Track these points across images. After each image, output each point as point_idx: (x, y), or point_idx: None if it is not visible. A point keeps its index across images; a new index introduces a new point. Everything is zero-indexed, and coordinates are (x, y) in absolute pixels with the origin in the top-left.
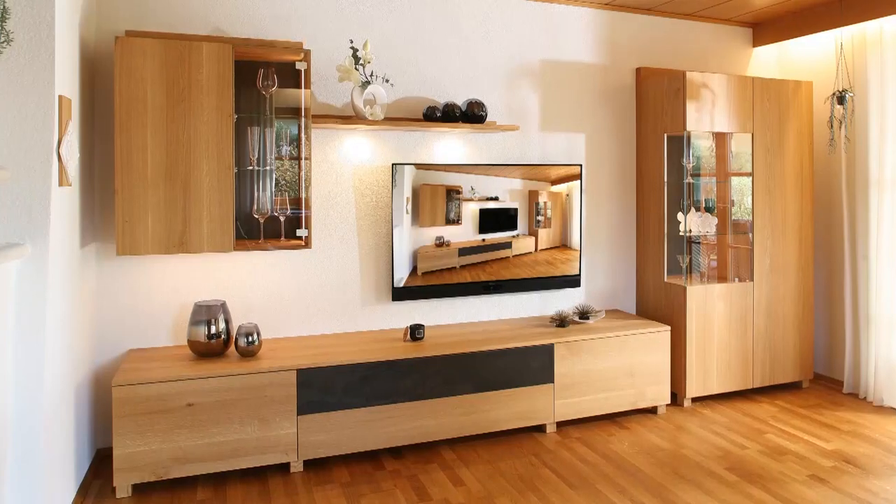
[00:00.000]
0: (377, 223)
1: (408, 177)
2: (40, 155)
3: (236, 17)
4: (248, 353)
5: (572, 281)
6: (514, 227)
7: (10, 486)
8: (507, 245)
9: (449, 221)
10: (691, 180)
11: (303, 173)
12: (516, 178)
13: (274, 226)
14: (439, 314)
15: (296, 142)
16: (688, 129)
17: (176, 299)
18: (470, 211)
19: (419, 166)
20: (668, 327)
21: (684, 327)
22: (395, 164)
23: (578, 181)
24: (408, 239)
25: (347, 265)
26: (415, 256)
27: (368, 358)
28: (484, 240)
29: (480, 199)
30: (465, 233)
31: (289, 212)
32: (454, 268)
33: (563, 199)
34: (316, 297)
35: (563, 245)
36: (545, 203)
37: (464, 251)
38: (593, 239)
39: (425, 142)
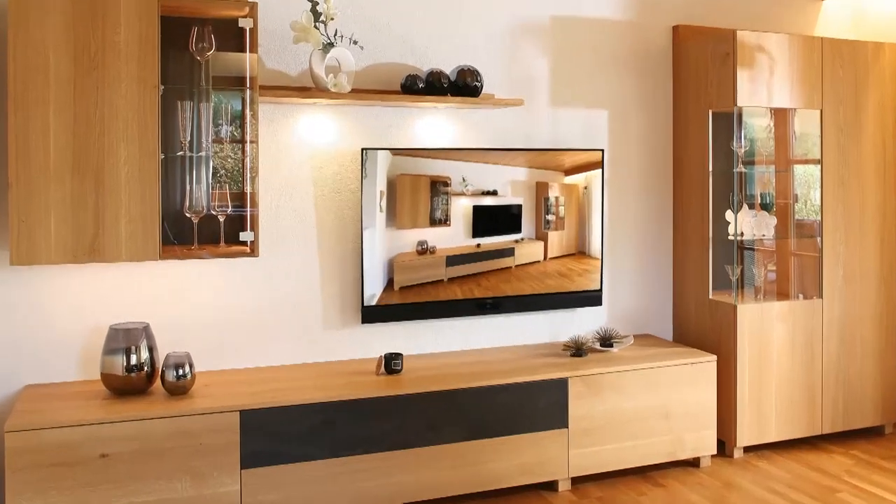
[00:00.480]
0: (343, 224)
1: (382, 165)
2: None
3: None
4: (179, 389)
5: (592, 298)
6: (517, 228)
7: None
8: (509, 252)
9: (434, 222)
10: (743, 169)
11: (248, 160)
12: (520, 167)
13: (211, 228)
14: (422, 340)
15: (239, 120)
16: (739, 104)
17: (86, 321)
18: (461, 208)
19: (396, 152)
20: (714, 357)
21: (734, 357)
22: (366, 150)
23: (599, 170)
24: (382, 244)
25: (305, 278)
26: (390, 267)
27: (332, 396)
28: (479, 245)
29: (474, 194)
30: (455, 236)
31: (230, 210)
32: (441, 281)
33: (579, 193)
34: (265, 318)
35: (581, 252)
36: (557, 198)
37: (453, 260)
38: (619, 244)
39: (404, 120)
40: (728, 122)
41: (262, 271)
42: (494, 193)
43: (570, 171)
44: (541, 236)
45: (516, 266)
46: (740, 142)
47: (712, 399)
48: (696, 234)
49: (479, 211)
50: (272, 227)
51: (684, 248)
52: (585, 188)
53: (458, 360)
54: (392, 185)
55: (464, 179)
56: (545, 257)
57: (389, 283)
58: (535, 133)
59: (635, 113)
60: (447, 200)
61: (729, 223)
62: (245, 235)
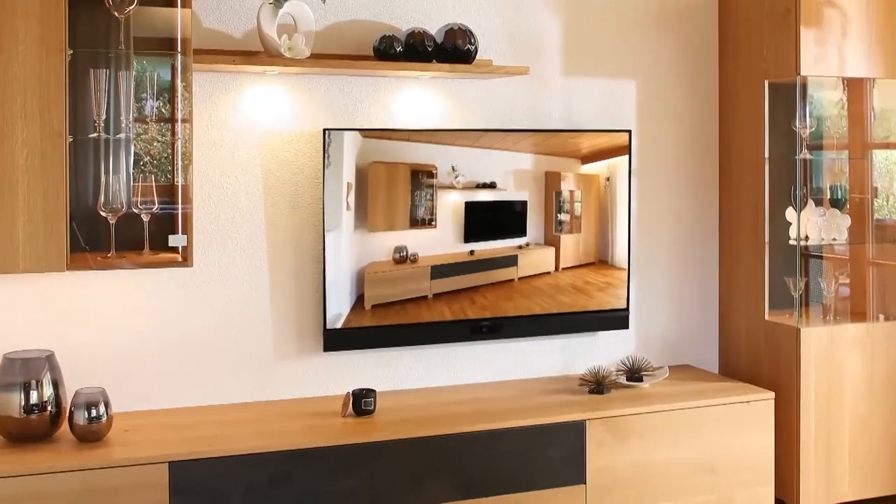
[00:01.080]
0: (300, 226)
1: (350, 150)
2: None
3: None
4: (91, 435)
5: (616, 319)
6: (520, 231)
7: None
8: (511, 261)
9: (416, 223)
10: (808, 156)
11: (179, 145)
12: (525, 153)
13: (133, 230)
14: (400, 373)
15: (168, 94)
16: (803, 72)
17: None
18: (450, 206)
19: (367, 133)
20: (772, 394)
21: (797, 394)
22: (329, 131)
23: (626, 157)
24: (349, 251)
25: (252, 294)
26: (360, 279)
27: (286, 444)
28: (472, 253)
29: (467, 187)
30: (443, 241)
31: (157, 207)
32: (424, 297)
33: (600, 185)
34: (201, 345)
35: (602, 261)
36: (572, 193)
37: (440, 271)
38: (650, 251)
39: (377, 94)
40: (789, 95)
41: (198, 285)
42: (492, 186)
43: (588, 158)
44: (551, 241)
45: (520, 279)
46: (804, 121)
47: (769, 448)
48: (749, 237)
49: (472, 209)
50: (210, 229)
51: (733, 255)
52: (608, 180)
53: (447, 397)
54: (362, 177)
55: (453, 169)
56: (557, 267)
57: (359, 301)
58: (543, 110)
59: (671, 84)
60: (432, 195)
61: (790, 224)
62: (175, 239)
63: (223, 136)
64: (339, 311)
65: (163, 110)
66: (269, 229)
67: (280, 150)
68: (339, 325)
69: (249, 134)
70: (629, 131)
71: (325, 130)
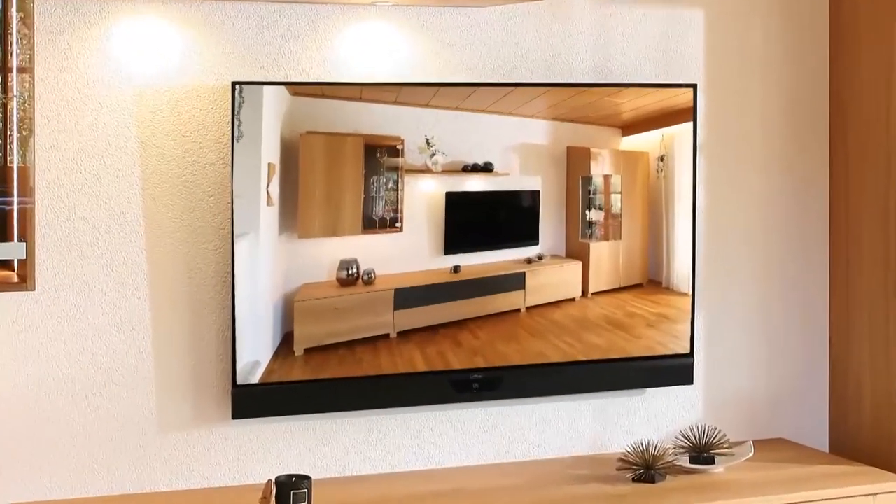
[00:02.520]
0: (197, 230)
1: (272, 115)
2: None
3: None
4: None
5: (674, 370)
6: (529, 237)
7: None
8: (514, 282)
9: (372, 224)
10: None
11: (13, 107)
12: (536, 118)
13: None
14: (347, 451)
15: None
16: None
17: None
18: (424, 198)
19: (299, 90)
20: None
21: None
22: (241, 85)
23: (690, 125)
24: (272, 268)
25: (125, 332)
26: (288, 310)
27: None
28: (457, 269)
29: (449, 170)
30: (412, 252)
31: None
32: (386, 336)
33: (650, 168)
34: (49, 410)
35: (653, 282)
36: (608, 179)
37: (408, 297)
38: (726, 270)
39: (314, 30)
40: None
41: (44, 319)
42: (487, 169)
43: (631, 128)
44: (576, 251)
45: (529, 309)
46: None
47: None
48: (876, 254)
49: (456, 203)
50: (61, 234)
51: (851, 279)
52: (662, 160)
53: (418, 489)
54: (291, 154)
55: (428, 143)
56: (585, 292)
57: (286, 342)
58: (564, 55)
59: (756, 17)
60: (397, 182)
61: None
62: (8, 250)
63: (80, 94)
64: (255, 357)
65: None
66: (150, 235)
67: (167, 114)
68: (255, 380)
69: (120, 91)
70: (694, 86)
71: (234, 84)
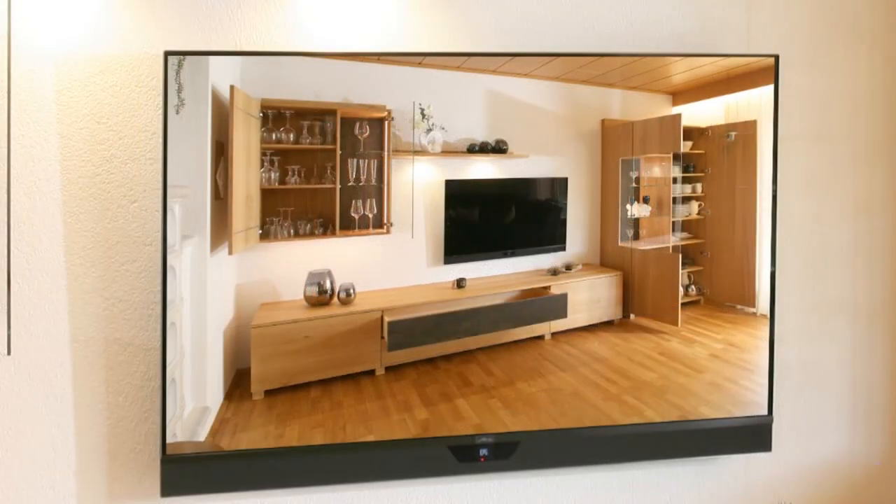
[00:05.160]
0: (117, 245)
1: (218, 78)
2: None
3: None
4: None
5: (747, 432)
6: (554, 239)
7: None
8: (543, 304)
9: (350, 224)
10: None
11: None
12: (561, 81)
13: None
14: None
15: None
16: None
17: None
18: (419, 189)
19: (248, 58)
20: None
21: None
22: (175, 55)
23: (769, 91)
24: (219, 285)
25: (23, 379)
26: (242, 338)
27: None
28: (462, 283)
29: (450, 151)
30: (403, 260)
31: None
32: (371, 373)
33: (715, 144)
34: None
35: (721, 304)
36: (656, 163)
37: (398, 320)
38: (816, 290)
39: None
40: None
41: None
42: (499, 150)
43: (687, 94)
44: (615, 260)
45: (554, 335)
46: None
47: None
48: None
49: (460, 195)
50: None
51: None
52: (731, 136)
53: None
54: (237, 131)
55: (423, 113)
56: (627, 312)
57: (241, 381)
58: (601, 12)
59: None
60: (380, 168)
61: None
62: None
63: None
64: (202, 403)
65: None
66: (52, 255)
67: (77, 93)
68: (202, 434)
69: (15, 61)
70: (776, 57)
71: (167, 55)
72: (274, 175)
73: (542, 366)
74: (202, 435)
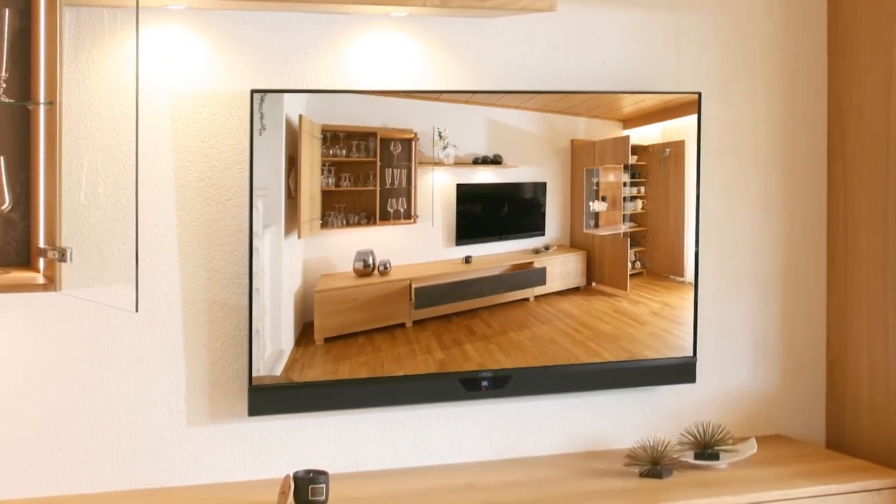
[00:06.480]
0: (216, 231)
1: (291, 109)
2: None
3: None
4: None
5: (677, 369)
6: (536, 227)
7: None
8: (529, 274)
9: (387, 216)
10: None
11: (41, 116)
12: (539, 111)
13: None
14: (360, 449)
15: (22, 39)
16: None
17: None
18: (438, 190)
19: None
20: None
21: None
22: (259, 92)
23: (689, 119)
24: (292, 258)
25: (146, 330)
26: (308, 300)
27: None
28: (469, 260)
29: (460, 163)
30: (427, 243)
31: (7, 205)
32: (402, 325)
33: (654, 158)
34: (72, 407)
35: (658, 275)
36: (610, 171)
37: (427, 294)
38: (729, 264)
39: (330, 39)
40: None
41: (69, 318)
42: (496, 162)
43: (634, 121)
44: (581, 242)
45: (537, 297)
46: None
47: None
48: (874, 248)
49: (468, 195)
50: (85, 238)
51: (849, 279)
52: (666, 152)
53: (431, 484)
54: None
55: (440, 134)
56: (589, 280)
57: (307, 331)
58: (573, 60)
59: (757, 26)
60: (409, 175)
61: None
62: (50, 255)
63: (101, 101)
64: (278, 348)
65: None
66: (170, 238)
67: (188, 121)
68: (279, 370)
69: (142, 98)
70: (699, 93)
71: (253, 92)
72: (331, 180)
73: (528, 320)
74: (278, 371)
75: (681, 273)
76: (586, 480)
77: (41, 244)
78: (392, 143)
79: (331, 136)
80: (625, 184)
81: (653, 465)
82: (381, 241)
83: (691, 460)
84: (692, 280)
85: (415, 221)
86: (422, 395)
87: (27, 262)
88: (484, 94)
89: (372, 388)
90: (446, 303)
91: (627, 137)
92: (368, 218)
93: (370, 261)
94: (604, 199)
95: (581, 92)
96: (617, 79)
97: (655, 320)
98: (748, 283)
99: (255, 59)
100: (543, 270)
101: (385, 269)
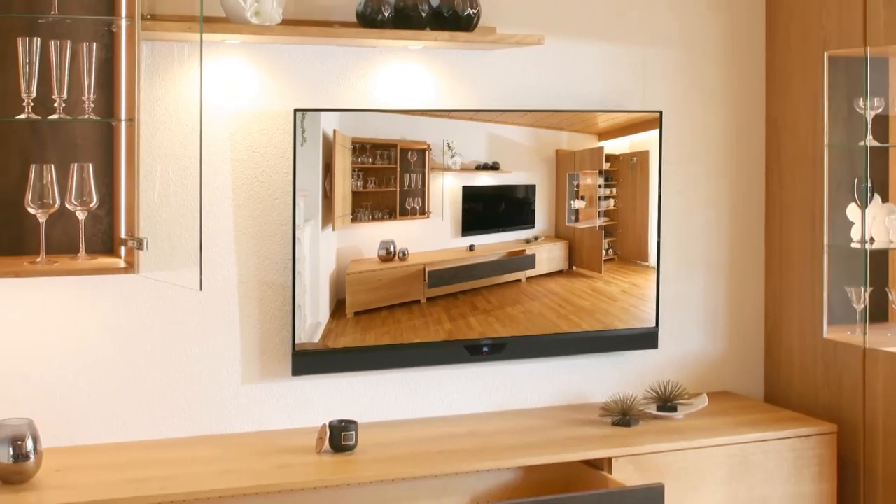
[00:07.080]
0: (266, 225)
1: (327, 124)
2: None
3: None
4: (16, 476)
5: (643, 337)
6: (527, 220)
7: None
8: (521, 260)
9: (405, 212)
10: (875, 143)
11: (122, 129)
12: (529, 126)
13: (66, 230)
14: (383, 402)
15: (107, 68)
16: (871, 43)
17: None
18: (447, 191)
19: (343, 115)
20: (834, 427)
21: (864, 426)
22: (301, 111)
23: (654, 132)
24: (326, 249)
25: (208, 305)
26: (341, 281)
27: (252, 486)
28: (472, 248)
29: (465, 168)
30: (437, 234)
31: (95, 203)
32: (417, 302)
33: (624, 165)
34: (148, 367)
35: (627, 260)
36: (588, 175)
37: (438, 276)
38: (684, 252)
39: (359, 67)
40: (854, 70)
41: (145, 295)
42: (495, 168)
43: (607, 134)
44: (564, 233)
45: (528, 279)
46: (873, 100)
47: (830, 492)
48: (803, 240)
49: (471, 194)
50: (159, 230)
51: (783, 261)
52: (633, 159)
53: (441, 431)
54: (338, 159)
55: (449, 146)
56: (570, 264)
57: (340, 307)
58: (558, 86)
59: (711, 56)
60: (423, 178)
61: (853, 224)
62: (130, 243)
63: (175, 118)
64: (317, 320)
65: (92, 90)
66: (228, 230)
67: (245, 135)
68: (317, 338)
69: (207, 115)
70: (660, 112)
71: (296, 111)
72: (359, 183)
73: (520, 297)
74: (317, 339)
75: (646, 258)
76: (568, 428)
77: (122, 235)
78: (409, 153)
79: (359, 147)
80: (600, 186)
81: (623, 415)
82: (401, 232)
83: (654, 412)
84: (655, 264)
85: (428, 216)
86: (433, 358)
87: (111, 250)
88: (485, 112)
89: (393, 352)
90: (454, 283)
91: (602, 148)
92: (390, 214)
93: (392, 249)
94: (583, 198)
95: (564, 111)
96: (593, 100)
97: (625, 297)
98: (701, 267)
99: (297, 83)
100: (533, 256)
101: (404, 256)
